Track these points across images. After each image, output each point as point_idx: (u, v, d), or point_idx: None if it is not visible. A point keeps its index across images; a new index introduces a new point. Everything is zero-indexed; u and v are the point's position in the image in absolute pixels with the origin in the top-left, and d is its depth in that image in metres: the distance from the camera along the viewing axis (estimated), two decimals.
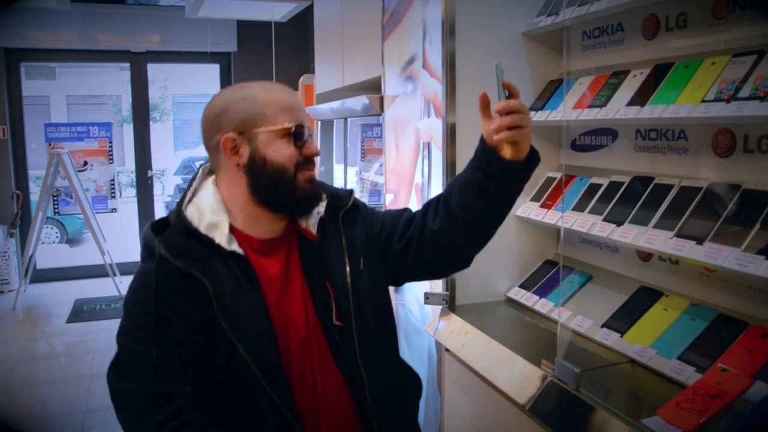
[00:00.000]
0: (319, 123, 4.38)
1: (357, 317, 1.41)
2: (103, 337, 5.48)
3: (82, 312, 6.19)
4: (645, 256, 1.86)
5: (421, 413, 2.36)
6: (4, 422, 3.75)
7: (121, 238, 8.21)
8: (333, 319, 1.40)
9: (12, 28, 6.78)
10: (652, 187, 1.73)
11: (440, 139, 2.09)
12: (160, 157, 11.09)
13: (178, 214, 1.37)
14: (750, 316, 1.49)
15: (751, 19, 1.53)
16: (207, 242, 1.33)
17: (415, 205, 2.33)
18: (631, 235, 1.66)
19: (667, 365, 1.51)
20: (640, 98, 1.70)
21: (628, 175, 1.85)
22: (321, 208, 1.46)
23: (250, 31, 7.35)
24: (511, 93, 1.36)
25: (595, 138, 2.07)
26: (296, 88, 4.54)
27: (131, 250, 7.78)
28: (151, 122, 8.01)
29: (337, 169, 4.31)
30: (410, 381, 1.58)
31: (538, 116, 2.07)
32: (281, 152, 1.34)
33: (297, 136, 1.35)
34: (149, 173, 7.71)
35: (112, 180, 7.28)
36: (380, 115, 2.70)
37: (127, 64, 7.63)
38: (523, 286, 2.18)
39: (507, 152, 1.36)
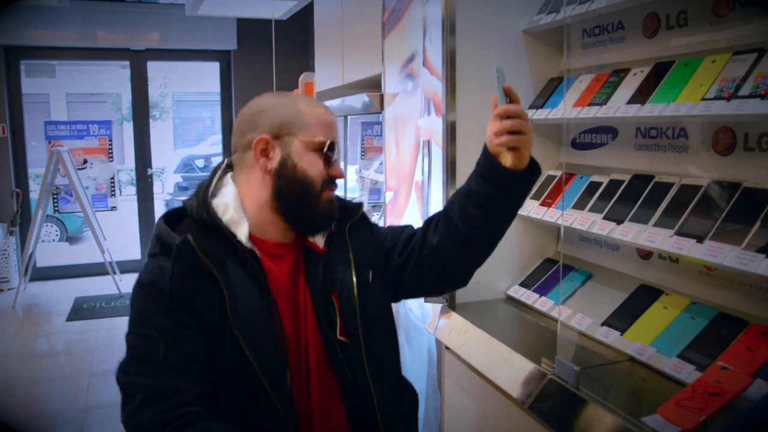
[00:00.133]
0: None
1: (364, 330, 1.40)
2: (102, 336, 5.49)
3: (81, 310, 6.19)
4: (645, 255, 1.86)
5: (421, 412, 2.35)
6: (4, 421, 3.76)
7: (120, 237, 8.21)
8: (337, 333, 1.39)
9: (12, 26, 6.78)
10: (653, 186, 1.73)
11: (440, 137, 2.09)
12: (160, 155, 11.09)
13: (203, 203, 1.34)
14: (750, 315, 1.49)
15: (752, 16, 1.52)
16: (226, 238, 1.31)
17: (414, 204, 2.33)
18: (631, 233, 1.66)
19: (667, 363, 1.51)
20: (640, 96, 1.69)
21: (628, 173, 1.85)
22: None
23: (250, 29, 7.35)
24: (511, 98, 1.36)
25: (595, 136, 2.07)
26: (296, 86, 4.53)
27: (131, 248, 7.79)
28: (150, 120, 8.01)
29: None
30: (411, 393, 1.58)
31: (538, 114, 2.06)
32: (312, 165, 1.35)
33: (329, 154, 1.36)
34: (149, 171, 7.71)
35: (112, 178, 7.28)
36: (380, 113, 2.70)
37: (127, 62, 7.63)
38: (523, 284, 2.18)
39: (507, 160, 1.36)
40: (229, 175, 1.40)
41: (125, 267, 7.25)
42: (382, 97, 2.65)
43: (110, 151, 7.27)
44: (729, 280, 1.58)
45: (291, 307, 1.38)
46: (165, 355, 1.24)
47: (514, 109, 1.33)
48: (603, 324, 1.76)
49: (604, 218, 1.79)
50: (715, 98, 1.45)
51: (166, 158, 13.52)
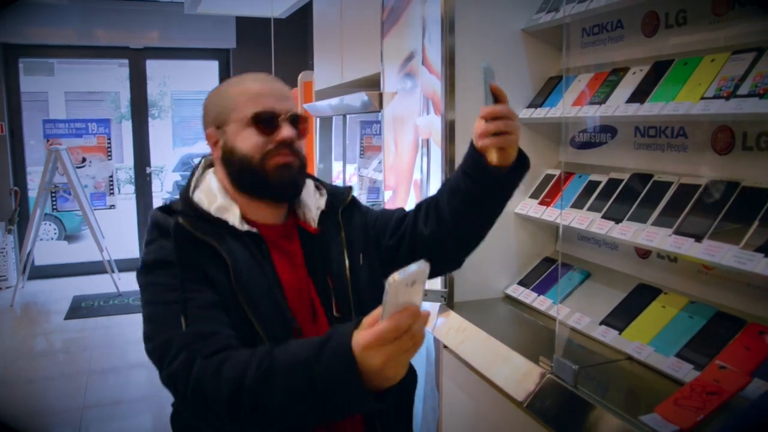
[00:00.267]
0: (318, 120, 4.37)
1: (357, 310, 1.41)
2: (101, 334, 5.48)
3: (80, 308, 6.19)
4: (643, 254, 1.86)
5: (419, 410, 2.36)
6: (2, 420, 3.75)
7: (119, 235, 8.21)
8: (333, 310, 1.41)
9: (10, 24, 6.77)
10: (651, 185, 1.73)
11: (439, 135, 2.09)
12: (159, 154, 11.09)
13: (185, 200, 1.37)
14: (748, 314, 1.49)
15: (751, 15, 1.52)
16: (219, 224, 1.34)
17: (413, 203, 2.33)
18: (629, 232, 1.66)
19: (665, 362, 1.51)
20: (639, 95, 1.70)
21: (627, 172, 1.85)
22: (321, 202, 1.48)
23: (249, 28, 7.34)
24: (498, 98, 1.33)
25: (594, 135, 2.07)
26: (295, 85, 4.53)
27: (129, 247, 7.78)
28: (149, 119, 8.00)
29: (336, 166, 4.30)
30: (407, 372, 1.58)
31: (537, 113, 2.06)
32: (247, 141, 1.35)
33: (263, 121, 1.35)
34: (148, 170, 7.70)
35: (111, 176, 7.28)
36: (379, 112, 2.70)
37: (126, 61, 7.62)
38: (521, 283, 2.18)
39: (493, 157, 1.35)
40: (211, 170, 1.44)
41: (124, 265, 7.24)
42: (381, 95, 2.65)
43: (109, 149, 7.27)
44: (727, 280, 1.58)
45: (294, 285, 1.39)
46: (189, 311, 1.23)
47: (500, 111, 1.31)
48: (601, 323, 1.76)
49: (603, 217, 1.79)
50: (714, 97, 1.45)
51: (164, 157, 13.51)
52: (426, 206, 1.51)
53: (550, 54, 2.19)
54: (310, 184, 1.49)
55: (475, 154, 1.37)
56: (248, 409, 1.08)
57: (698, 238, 1.46)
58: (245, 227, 1.35)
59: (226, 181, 1.40)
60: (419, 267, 0.90)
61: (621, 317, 1.74)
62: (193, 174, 1.44)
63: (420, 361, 2.36)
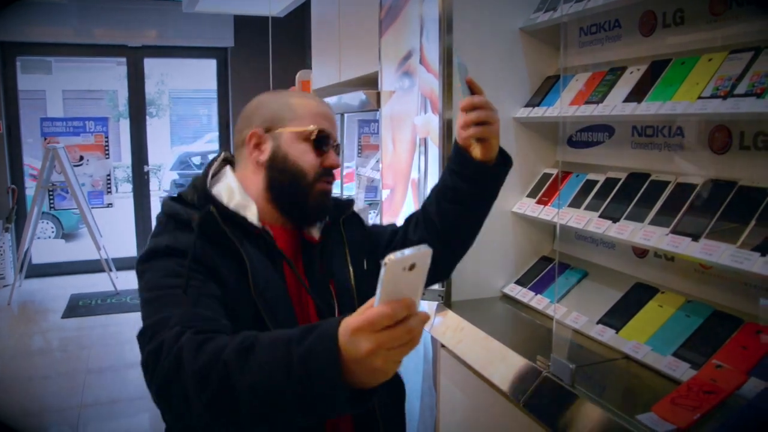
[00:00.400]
0: None
1: None
2: (98, 333, 5.48)
3: (77, 307, 6.18)
4: (641, 253, 1.86)
5: (416, 409, 2.36)
6: (0, 419, 3.75)
7: (117, 234, 8.20)
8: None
9: (8, 22, 6.76)
10: (648, 184, 1.73)
11: (437, 134, 2.09)
12: (157, 152, 11.08)
13: (203, 192, 1.33)
14: (745, 313, 1.49)
15: (748, 15, 1.53)
16: (237, 222, 1.31)
17: (410, 202, 2.33)
18: (627, 231, 1.66)
19: (662, 361, 1.51)
20: (636, 95, 1.70)
21: (624, 171, 1.85)
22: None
23: (247, 26, 7.33)
24: (474, 90, 1.36)
25: (591, 134, 2.07)
26: (293, 84, 4.53)
27: (127, 246, 7.77)
28: (147, 117, 7.99)
29: None
30: (398, 380, 1.58)
31: (534, 112, 2.06)
32: (303, 155, 1.35)
33: (320, 141, 1.36)
34: (145, 168, 7.69)
35: (108, 175, 7.27)
36: (377, 110, 2.70)
37: (124, 59, 7.61)
38: (519, 282, 2.18)
39: (477, 152, 1.37)
40: (227, 168, 1.42)
41: (121, 264, 7.23)
42: (379, 94, 2.65)
43: (106, 148, 7.26)
44: (724, 279, 1.58)
45: (295, 291, 1.38)
46: (193, 295, 1.17)
47: (478, 101, 1.34)
48: (598, 322, 1.76)
49: (600, 216, 1.79)
50: (711, 97, 1.45)
51: (162, 155, 13.51)
52: (415, 216, 1.54)
53: (547, 53, 2.19)
54: None
55: (459, 150, 1.40)
56: (215, 386, 0.96)
57: (695, 238, 1.46)
58: (261, 225, 1.34)
59: (250, 182, 1.38)
60: (419, 250, 0.81)
61: (618, 316, 1.74)
62: (209, 166, 1.42)
63: (417, 360, 2.37)
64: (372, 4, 2.70)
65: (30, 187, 7.27)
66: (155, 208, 8.14)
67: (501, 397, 1.72)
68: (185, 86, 17.41)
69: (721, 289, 1.59)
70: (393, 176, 2.55)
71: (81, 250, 8.43)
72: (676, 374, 1.45)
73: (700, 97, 1.48)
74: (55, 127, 7.08)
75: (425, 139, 2.18)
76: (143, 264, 1.26)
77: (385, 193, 2.65)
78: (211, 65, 7.95)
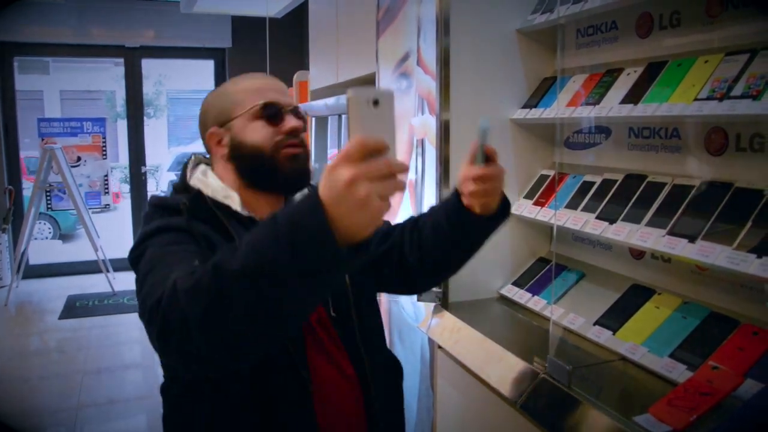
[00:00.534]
0: (314, 119, 4.38)
1: (356, 306, 1.42)
2: (96, 334, 5.47)
3: (74, 308, 6.17)
4: (637, 254, 1.87)
5: (413, 411, 2.36)
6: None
7: (114, 234, 8.18)
8: (330, 310, 1.40)
9: (6, 22, 6.75)
10: (645, 185, 1.73)
11: (434, 136, 2.09)
12: (154, 153, 11.07)
13: (183, 188, 1.38)
14: (741, 314, 1.49)
15: (744, 17, 1.53)
16: (223, 210, 1.33)
17: (407, 203, 2.33)
18: (623, 232, 1.66)
19: (659, 363, 1.51)
20: (633, 96, 1.70)
21: (621, 173, 1.86)
22: None
23: (244, 27, 7.33)
24: (490, 158, 1.32)
25: (588, 136, 2.07)
26: (291, 85, 4.52)
27: (125, 246, 7.74)
28: (145, 118, 7.99)
29: None
30: (395, 362, 1.58)
31: (531, 114, 2.07)
32: (256, 133, 1.36)
33: (269, 113, 1.37)
34: (143, 169, 7.68)
35: (106, 176, 7.27)
36: None
37: (122, 60, 7.61)
38: (516, 283, 2.18)
39: (477, 208, 1.35)
40: (201, 167, 1.43)
41: (119, 265, 7.22)
42: None
43: (104, 148, 7.26)
44: (721, 280, 1.58)
45: None
46: (190, 257, 1.15)
47: (491, 173, 1.30)
48: (595, 323, 1.77)
49: (597, 218, 1.79)
50: (708, 98, 1.46)
51: (160, 156, 13.50)
52: (410, 232, 1.51)
53: (544, 55, 2.19)
54: None
55: (459, 204, 1.37)
56: (207, 286, 0.92)
57: (692, 239, 1.46)
58: (246, 213, 1.35)
59: (229, 177, 1.39)
60: (384, 89, 0.82)
61: (615, 318, 1.74)
62: (184, 171, 1.44)
63: (414, 361, 2.37)
64: (369, 6, 2.70)
65: (27, 188, 7.26)
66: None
67: (498, 398, 1.72)
68: (183, 87, 17.39)
69: (717, 290, 1.59)
70: None
71: (78, 250, 8.42)
72: (673, 375, 1.46)
73: (696, 99, 1.49)
74: (53, 128, 7.07)
75: (422, 140, 2.18)
76: (137, 250, 1.24)
77: None
78: (208, 66, 7.95)
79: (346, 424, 1.38)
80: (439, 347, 2.08)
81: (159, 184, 12.60)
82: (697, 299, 1.62)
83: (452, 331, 1.97)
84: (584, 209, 1.87)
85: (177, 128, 18.16)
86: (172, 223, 1.26)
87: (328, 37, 3.58)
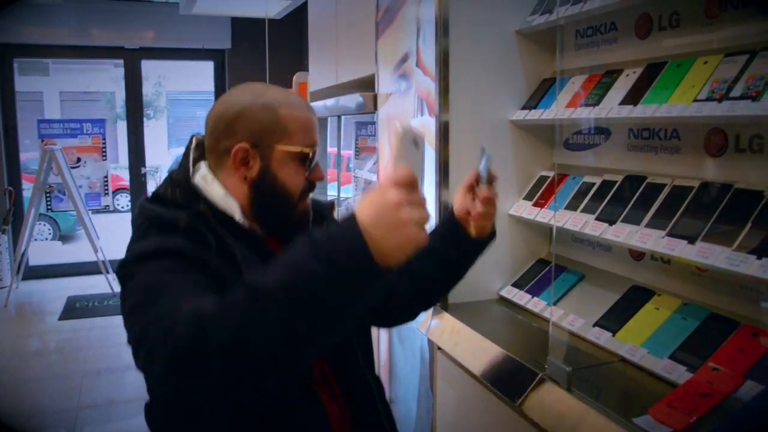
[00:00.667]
0: None
1: (356, 336, 1.39)
2: (95, 335, 5.47)
3: (74, 309, 6.17)
4: (637, 255, 1.86)
5: (413, 412, 2.36)
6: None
7: (114, 235, 8.18)
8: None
9: (5, 24, 6.75)
10: (645, 187, 1.73)
11: (433, 137, 2.09)
12: (154, 154, 11.07)
13: (187, 188, 1.26)
14: (741, 316, 1.49)
15: (743, 17, 1.53)
16: (224, 221, 1.24)
17: None
18: (623, 234, 1.66)
19: (659, 364, 1.51)
20: (632, 97, 1.70)
21: (620, 174, 1.85)
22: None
23: (244, 28, 7.33)
24: (491, 181, 1.38)
25: (587, 137, 2.07)
26: (290, 86, 4.52)
27: (124, 247, 7.75)
28: (145, 119, 7.98)
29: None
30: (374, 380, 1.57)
31: (531, 115, 2.07)
32: (293, 176, 1.27)
33: (310, 160, 1.29)
34: (143, 170, 7.68)
35: (106, 177, 7.27)
36: (374, 113, 2.70)
37: (121, 61, 7.60)
38: (515, 284, 2.18)
39: (473, 230, 1.40)
40: (203, 164, 1.32)
41: None
42: (375, 97, 2.65)
43: (104, 149, 7.25)
44: (720, 281, 1.58)
45: None
46: (194, 287, 1.07)
47: (494, 196, 1.36)
48: (595, 325, 1.77)
49: (597, 219, 1.79)
50: (707, 99, 1.46)
51: (160, 157, 13.50)
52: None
53: (544, 56, 2.19)
54: None
55: (457, 226, 1.41)
56: (242, 306, 0.90)
57: (691, 240, 1.46)
58: (250, 225, 1.28)
59: (233, 191, 1.28)
60: (419, 133, 0.98)
61: (615, 319, 1.74)
62: (186, 160, 1.33)
63: (414, 362, 2.37)
64: (369, 7, 2.70)
65: (27, 189, 7.25)
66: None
67: (498, 399, 1.72)
68: (183, 88, 17.40)
69: (717, 291, 1.59)
70: None
71: (78, 251, 8.42)
72: (673, 377, 1.45)
73: (695, 100, 1.49)
74: (53, 129, 7.07)
75: None
76: (128, 267, 1.14)
77: None
78: (208, 67, 7.95)
79: None
80: (439, 348, 2.08)
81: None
82: (697, 300, 1.62)
83: (452, 333, 1.97)
84: (584, 210, 1.87)
85: (177, 129, 18.14)
86: (169, 247, 1.14)
87: (328, 38, 3.58)
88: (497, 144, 2.15)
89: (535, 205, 2.09)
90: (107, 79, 15.64)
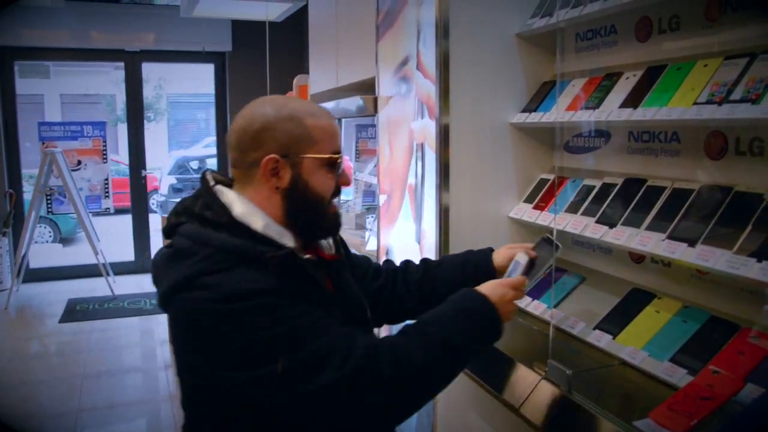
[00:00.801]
0: None
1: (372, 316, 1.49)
2: (95, 337, 5.47)
3: (75, 312, 6.17)
4: (637, 258, 1.86)
5: (413, 414, 2.35)
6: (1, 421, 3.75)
7: (114, 238, 8.18)
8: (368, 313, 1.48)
9: (6, 26, 6.76)
10: (645, 189, 1.73)
11: (434, 140, 2.09)
12: (155, 156, 11.08)
13: (230, 219, 1.27)
14: (742, 318, 1.49)
15: (743, 20, 1.53)
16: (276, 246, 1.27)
17: (407, 207, 2.33)
18: (623, 236, 1.66)
19: (659, 367, 1.51)
20: (633, 100, 1.70)
21: (620, 176, 1.86)
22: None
23: (244, 31, 7.33)
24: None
25: (588, 140, 2.07)
26: (290, 89, 4.53)
27: (124, 250, 7.75)
28: (145, 122, 7.99)
29: None
30: None
31: (531, 118, 2.07)
32: (323, 182, 1.32)
33: (338, 166, 1.34)
34: (143, 173, 7.69)
35: (106, 179, 7.27)
36: (374, 115, 2.70)
37: (122, 64, 7.61)
38: None
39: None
40: (229, 191, 1.33)
41: (119, 269, 7.23)
42: (376, 99, 2.65)
43: (104, 152, 7.26)
44: (721, 284, 1.58)
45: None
46: (323, 320, 1.21)
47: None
48: (595, 327, 1.76)
49: (597, 222, 1.79)
50: (707, 102, 1.46)
51: (160, 160, 13.50)
52: (413, 283, 1.63)
53: (544, 59, 2.19)
54: None
55: (492, 273, 1.60)
56: (435, 353, 1.26)
57: (691, 243, 1.46)
58: (305, 254, 1.30)
59: (266, 206, 1.31)
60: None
61: (615, 322, 1.74)
62: (209, 193, 1.33)
63: None
64: (369, 9, 2.70)
65: (28, 192, 7.26)
66: (153, 212, 8.14)
67: (498, 402, 1.72)
68: (183, 90, 17.42)
69: (717, 294, 1.59)
70: (390, 181, 2.55)
71: (78, 254, 8.43)
72: (673, 380, 1.45)
73: (695, 103, 1.49)
74: (53, 132, 7.08)
75: (422, 145, 2.18)
76: (235, 303, 1.16)
77: (382, 198, 2.65)
78: (209, 70, 7.96)
79: None
80: None
81: (159, 188, 12.58)
82: (698, 303, 1.62)
83: None
84: (584, 213, 1.87)
85: (177, 132, 18.17)
86: (259, 287, 1.17)
87: (328, 41, 3.58)
88: (497, 147, 2.15)
89: (536, 207, 2.09)
90: (108, 81, 15.67)
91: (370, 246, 3.00)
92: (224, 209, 1.28)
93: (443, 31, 2.04)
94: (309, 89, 4.08)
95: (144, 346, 5.46)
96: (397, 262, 1.71)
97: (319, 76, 3.83)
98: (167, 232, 1.33)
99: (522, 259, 1.51)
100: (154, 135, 14.80)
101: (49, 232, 9.84)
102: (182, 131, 17.98)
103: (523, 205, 2.16)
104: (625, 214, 1.72)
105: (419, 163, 2.21)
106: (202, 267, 1.20)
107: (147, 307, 6.21)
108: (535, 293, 2.08)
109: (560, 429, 1.46)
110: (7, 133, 7.08)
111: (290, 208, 1.31)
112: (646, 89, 1.68)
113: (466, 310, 1.31)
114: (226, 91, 7.72)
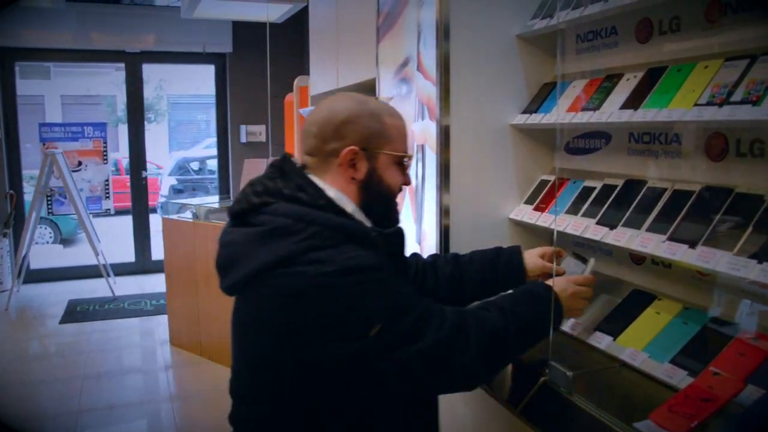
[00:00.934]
0: None
1: None
2: (96, 338, 5.47)
3: (75, 312, 6.17)
4: (638, 260, 1.86)
5: None
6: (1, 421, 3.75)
7: (114, 239, 8.19)
8: None
9: (6, 28, 6.77)
10: (645, 191, 1.73)
11: (434, 141, 2.09)
12: (155, 157, 11.10)
13: (330, 203, 1.34)
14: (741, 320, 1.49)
15: (744, 22, 1.53)
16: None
17: (408, 208, 2.33)
18: (624, 238, 1.66)
19: (660, 369, 1.51)
20: (633, 101, 1.70)
21: (621, 178, 1.85)
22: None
23: (245, 32, 7.34)
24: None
25: (588, 141, 2.07)
26: (291, 90, 4.54)
27: (125, 251, 7.76)
28: (146, 123, 8.00)
29: None
30: None
31: (531, 119, 2.07)
32: (395, 177, 1.43)
33: (407, 165, 1.46)
34: (144, 174, 7.69)
35: (107, 180, 7.27)
36: None
37: (122, 65, 7.62)
38: None
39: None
40: (313, 176, 1.39)
41: (119, 269, 7.23)
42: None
43: (105, 153, 7.26)
44: (721, 286, 1.58)
45: None
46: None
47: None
48: (596, 329, 1.76)
49: (597, 223, 1.79)
50: (708, 104, 1.46)
51: (161, 160, 13.52)
52: (444, 278, 1.72)
53: (544, 60, 2.19)
54: None
55: (522, 275, 1.70)
56: (512, 328, 1.39)
57: (692, 245, 1.46)
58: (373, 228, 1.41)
59: (346, 193, 1.39)
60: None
61: (615, 323, 1.74)
62: (300, 176, 1.38)
63: None
64: (369, 11, 2.71)
65: (28, 192, 7.26)
66: (153, 212, 8.14)
67: (498, 404, 1.72)
68: (184, 91, 17.43)
69: (718, 295, 1.59)
70: None
71: (79, 255, 8.43)
72: (674, 381, 1.45)
73: (696, 105, 1.49)
74: (54, 133, 7.09)
75: (423, 146, 2.18)
76: (350, 276, 1.24)
77: None
78: (209, 70, 7.96)
79: None
80: None
81: (160, 189, 12.60)
82: (698, 305, 1.62)
83: None
84: (584, 214, 1.87)
85: (178, 132, 18.18)
86: (370, 262, 1.27)
87: (329, 42, 3.58)
88: (498, 148, 2.15)
89: (536, 209, 2.09)
90: (108, 82, 15.68)
91: None
92: (320, 192, 1.35)
93: (444, 33, 2.04)
94: (309, 90, 4.09)
95: (144, 347, 5.46)
96: None
97: (320, 77, 3.83)
98: (243, 213, 1.36)
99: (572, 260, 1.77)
100: (155, 136, 14.81)
101: (50, 233, 9.85)
102: (183, 132, 17.99)
103: (524, 206, 2.16)
104: (626, 216, 1.72)
105: (420, 165, 2.21)
106: (311, 243, 1.26)
107: (147, 308, 6.22)
108: None
109: (561, 431, 1.46)
110: (7, 134, 7.09)
111: (366, 199, 1.41)
112: (647, 90, 1.68)
113: (532, 293, 1.49)
114: (226, 92, 7.73)
